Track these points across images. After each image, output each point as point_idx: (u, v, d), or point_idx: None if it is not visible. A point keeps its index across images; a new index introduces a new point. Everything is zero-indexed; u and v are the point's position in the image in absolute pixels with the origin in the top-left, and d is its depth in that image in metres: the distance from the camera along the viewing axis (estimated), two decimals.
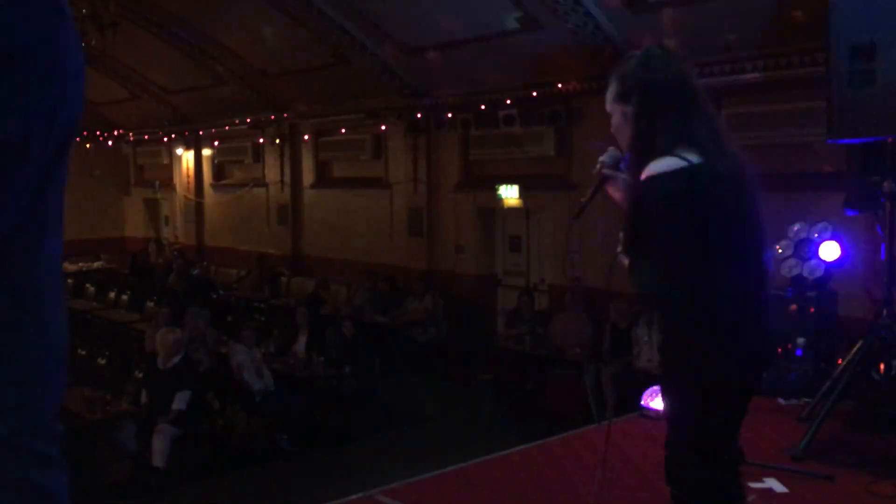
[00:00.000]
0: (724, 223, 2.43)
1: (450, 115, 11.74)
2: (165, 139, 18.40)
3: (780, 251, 6.01)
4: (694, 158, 2.39)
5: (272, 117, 15.11)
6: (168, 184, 18.98)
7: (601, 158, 2.76)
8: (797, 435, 4.80)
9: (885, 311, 4.88)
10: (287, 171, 15.45)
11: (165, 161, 18.83)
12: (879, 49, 4.51)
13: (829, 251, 5.89)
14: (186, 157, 18.21)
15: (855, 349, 4.93)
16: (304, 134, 14.99)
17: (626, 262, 2.63)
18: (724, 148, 2.50)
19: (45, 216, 1.07)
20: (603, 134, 2.89)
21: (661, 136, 2.46)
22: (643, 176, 2.45)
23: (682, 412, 2.60)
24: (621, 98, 2.60)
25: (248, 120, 15.58)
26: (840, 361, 5.12)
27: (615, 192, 2.73)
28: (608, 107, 2.66)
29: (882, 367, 4.93)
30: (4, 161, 0.95)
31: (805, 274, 5.89)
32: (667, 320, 2.63)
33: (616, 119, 2.64)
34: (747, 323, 2.50)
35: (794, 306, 5.86)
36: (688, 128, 2.46)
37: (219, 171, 17.73)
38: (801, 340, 5.79)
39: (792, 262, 5.94)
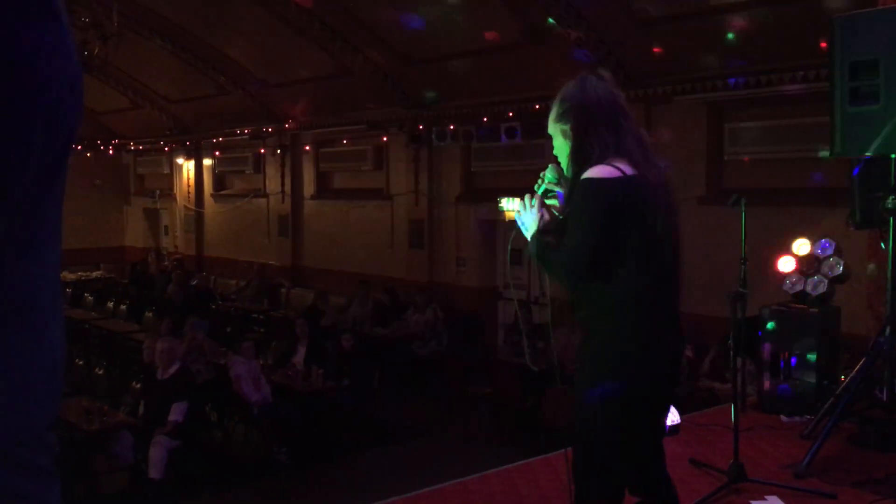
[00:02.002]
0: (649, 232, 2.64)
1: (451, 127, 11.74)
2: (166, 149, 18.41)
3: (783, 267, 5.99)
4: (626, 168, 2.63)
5: (273, 128, 15.13)
6: (168, 193, 18.99)
7: (542, 174, 3.00)
8: (799, 452, 4.77)
9: (888, 328, 4.85)
10: (288, 181, 15.45)
11: (166, 171, 18.84)
12: (882, 65, 4.50)
13: (833, 267, 5.86)
14: (187, 167, 18.22)
15: (858, 366, 4.90)
16: (305, 144, 15.00)
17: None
18: (652, 161, 2.74)
19: (43, 226, 1.05)
20: None
21: (596, 147, 2.70)
22: (583, 175, 2.69)
23: (591, 419, 2.73)
24: (560, 118, 2.83)
25: (249, 130, 15.59)
26: (843, 378, 5.09)
27: (556, 209, 2.94)
28: (550, 129, 2.88)
29: (885, 384, 4.90)
30: (1, 165, 0.94)
31: (808, 290, 5.86)
32: (585, 322, 2.80)
33: (558, 140, 2.87)
34: (663, 332, 2.71)
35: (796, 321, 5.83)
36: (619, 141, 2.70)
37: (219, 181, 17.73)
38: (802, 357, 5.76)
39: (795, 277, 5.92)
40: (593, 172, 2.65)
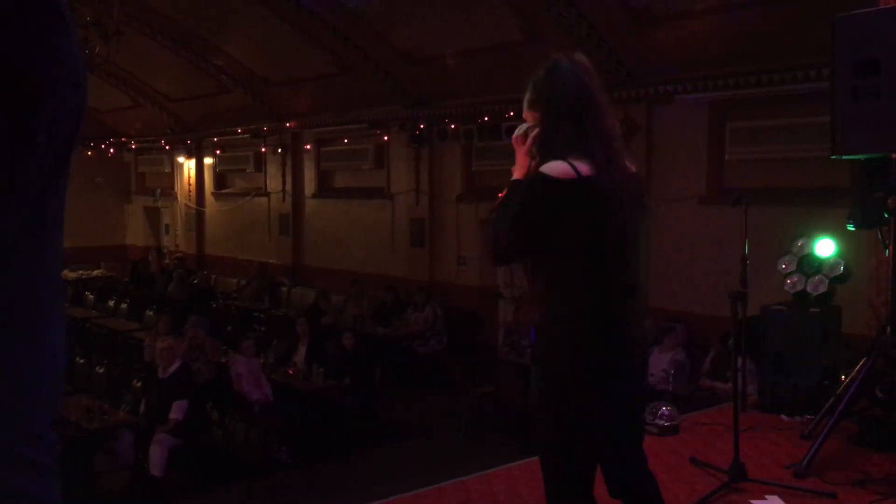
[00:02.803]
0: (595, 235, 2.63)
1: (452, 126, 11.74)
2: (167, 147, 18.41)
3: (783, 267, 5.99)
4: (583, 168, 2.59)
5: (274, 126, 15.13)
6: (169, 192, 18.99)
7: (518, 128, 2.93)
8: (800, 452, 4.77)
9: (889, 328, 4.85)
10: (289, 180, 15.45)
11: (167, 169, 18.84)
12: (883, 65, 4.50)
13: (833, 267, 5.86)
14: (188, 166, 18.22)
15: (859, 366, 4.90)
16: (306, 143, 14.99)
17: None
18: (614, 162, 2.68)
19: (45, 225, 1.06)
20: None
21: (558, 142, 2.68)
22: (539, 168, 2.66)
23: (547, 401, 2.72)
24: (531, 105, 2.83)
25: (250, 129, 15.59)
26: (843, 378, 5.09)
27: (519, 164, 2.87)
28: (524, 112, 2.88)
29: (886, 384, 4.90)
30: (4, 168, 0.94)
31: (808, 289, 5.86)
32: (537, 294, 2.79)
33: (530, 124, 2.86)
34: (604, 334, 2.66)
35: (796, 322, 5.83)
36: (582, 139, 2.65)
37: (220, 179, 17.73)
38: (803, 357, 5.76)
39: (795, 277, 5.92)
40: (548, 168, 2.62)
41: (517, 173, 2.80)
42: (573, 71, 2.77)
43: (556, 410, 2.70)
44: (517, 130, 2.85)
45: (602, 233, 2.64)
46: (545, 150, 2.72)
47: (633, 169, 2.82)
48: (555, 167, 2.61)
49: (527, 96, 2.85)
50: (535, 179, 2.65)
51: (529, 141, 2.80)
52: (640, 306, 2.86)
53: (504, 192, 2.78)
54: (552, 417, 2.71)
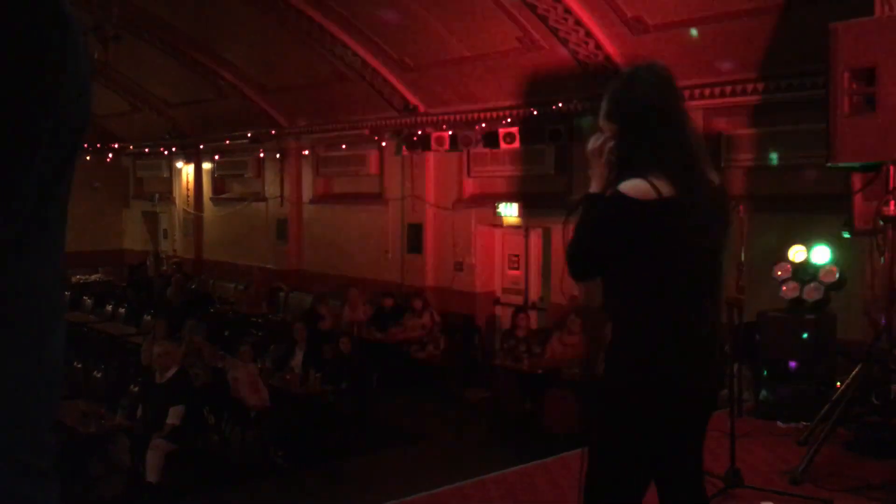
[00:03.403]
0: (673, 256, 2.52)
1: (449, 133, 11.77)
2: (165, 152, 18.42)
3: (779, 274, 6.01)
4: (664, 188, 2.45)
5: (272, 132, 15.15)
6: (167, 197, 19.00)
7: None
8: (795, 458, 4.78)
9: (884, 335, 4.87)
10: (286, 185, 15.46)
11: (165, 174, 18.85)
12: (879, 73, 4.53)
13: (829, 274, 5.88)
14: (186, 171, 18.23)
15: (854, 372, 4.91)
16: (304, 149, 15.02)
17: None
18: (695, 179, 2.56)
19: (46, 230, 1.06)
20: None
21: (636, 159, 2.54)
22: (617, 188, 2.52)
23: (607, 424, 2.64)
24: (608, 117, 2.68)
25: (249, 134, 15.61)
26: (839, 385, 5.10)
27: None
28: (600, 123, 2.73)
29: (881, 391, 4.91)
30: (5, 172, 0.95)
31: (804, 296, 5.89)
32: (613, 322, 2.70)
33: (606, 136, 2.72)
34: (680, 356, 2.55)
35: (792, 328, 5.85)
36: (661, 155, 2.52)
37: (218, 184, 17.74)
38: (798, 363, 5.77)
39: (791, 284, 5.94)
40: (627, 187, 2.49)
41: (594, 186, 2.68)
42: (652, 82, 2.63)
43: (616, 429, 2.61)
44: (592, 142, 2.71)
45: (681, 256, 2.54)
46: (623, 165, 2.59)
47: (717, 181, 2.69)
48: (634, 187, 2.48)
49: (603, 107, 2.70)
50: (614, 199, 2.52)
51: (606, 154, 2.66)
52: (719, 326, 2.75)
53: (578, 199, 2.70)
54: (610, 433, 2.63)
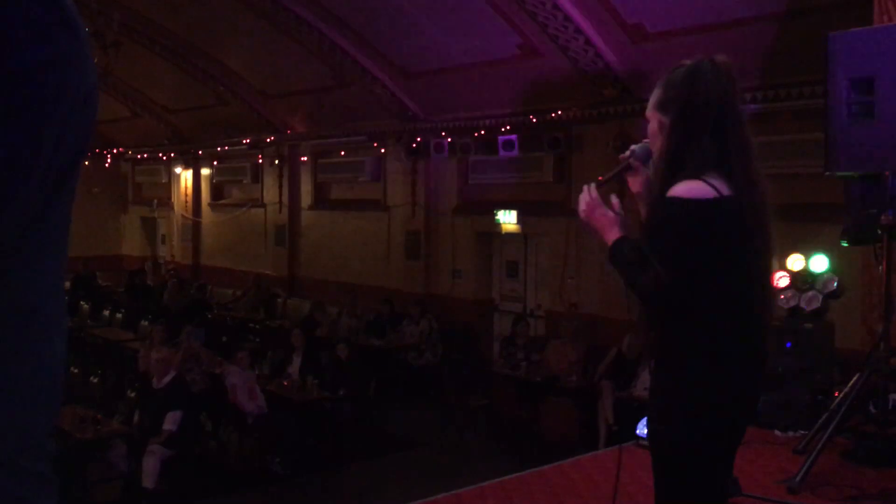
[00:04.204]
0: (735, 262, 2.36)
1: (449, 140, 11.78)
2: (164, 158, 18.43)
3: (777, 282, 6.01)
4: (722, 188, 2.32)
5: (271, 138, 15.16)
6: (166, 202, 18.99)
7: (633, 147, 2.66)
8: (793, 467, 4.77)
9: (882, 344, 4.87)
10: (285, 191, 15.46)
11: (164, 180, 18.85)
12: (878, 83, 4.54)
13: (827, 283, 5.88)
14: (185, 177, 18.23)
15: (852, 381, 4.91)
16: (303, 155, 15.02)
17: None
18: (753, 179, 2.41)
19: (49, 235, 1.06)
20: (601, 161, 2.85)
21: (692, 156, 2.37)
22: (669, 194, 2.36)
23: (676, 443, 2.47)
24: (661, 107, 2.50)
25: (248, 140, 15.62)
26: (837, 393, 5.10)
27: (634, 185, 2.66)
28: (648, 111, 2.56)
29: (879, 400, 4.91)
30: (9, 176, 0.95)
31: (802, 305, 5.88)
32: (666, 342, 2.49)
33: (652, 126, 2.55)
34: (746, 362, 2.41)
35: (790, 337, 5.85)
36: (721, 154, 2.36)
37: (217, 190, 17.74)
38: (796, 372, 5.77)
39: (789, 293, 5.94)
40: (682, 190, 2.32)
41: (636, 188, 2.58)
42: (716, 76, 2.43)
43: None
44: (632, 152, 2.60)
45: (741, 259, 2.37)
46: (674, 165, 2.39)
47: (765, 183, 2.51)
48: (690, 188, 2.31)
49: (656, 94, 2.51)
50: (675, 205, 2.32)
51: (654, 159, 2.50)
52: (767, 342, 2.53)
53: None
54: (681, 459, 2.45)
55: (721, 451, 2.47)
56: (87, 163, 17.87)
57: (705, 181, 2.32)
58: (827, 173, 4.90)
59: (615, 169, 2.73)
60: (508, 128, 11.06)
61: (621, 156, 2.69)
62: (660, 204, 2.42)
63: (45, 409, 1.11)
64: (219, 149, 16.75)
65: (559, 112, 10.34)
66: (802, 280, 5.98)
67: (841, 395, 4.94)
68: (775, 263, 6.20)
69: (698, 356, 2.38)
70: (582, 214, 2.60)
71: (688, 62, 2.48)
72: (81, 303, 15.31)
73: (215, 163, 17.30)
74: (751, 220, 2.37)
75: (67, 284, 16.84)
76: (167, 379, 7.87)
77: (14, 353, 1.04)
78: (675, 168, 2.39)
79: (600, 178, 2.69)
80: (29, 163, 0.96)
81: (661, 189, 2.41)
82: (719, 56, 2.46)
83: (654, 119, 2.53)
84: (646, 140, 2.62)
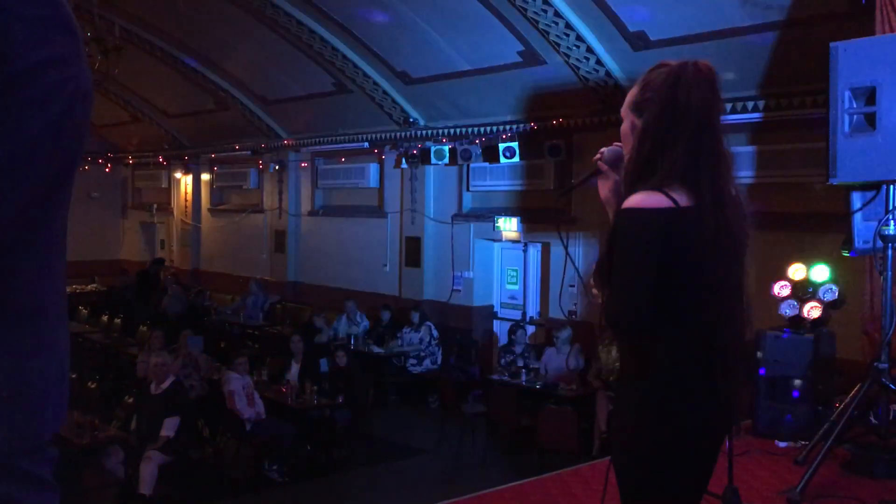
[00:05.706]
0: (692, 276, 2.23)
1: (449, 147, 11.79)
2: (164, 163, 18.44)
3: (778, 292, 5.99)
4: (682, 199, 2.20)
5: (271, 144, 15.16)
6: (165, 207, 18.99)
7: (603, 149, 2.52)
8: (794, 477, 4.75)
9: (883, 354, 4.85)
10: (285, 197, 15.46)
11: (164, 185, 18.85)
12: (880, 92, 4.53)
13: (828, 292, 5.87)
14: (185, 182, 18.23)
15: (853, 392, 4.89)
16: (303, 161, 15.02)
17: (593, 288, 2.42)
18: (722, 195, 2.28)
19: (52, 234, 1.07)
20: None
21: (660, 164, 2.24)
22: (623, 205, 2.25)
23: (632, 464, 2.38)
24: (636, 108, 2.37)
25: (248, 146, 15.62)
26: (837, 404, 5.08)
27: (603, 190, 2.51)
28: (622, 109, 2.44)
29: (880, 410, 4.89)
30: (7, 176, 0.95)
31: (803, 314, 5.87)
32: (625, 358, 2.42)
33: (625, 126, 2.42)
34: (702, 386, 2.29)
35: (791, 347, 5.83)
36: (691, 166, 2.23)
37: (217, 195, 17.74)
38: (797, 382, 5.75)
39: (790, 302, 5.92)
40: (636, 200, 2.21)
41: (604, 194, 2.46)
42: (698, 83, 2.28)
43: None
44: (602, 155, 2.48)
45: (698, 274, 2.23)
46: (641, 171, 2.28)
47: (735, 193, 2.37)
48: (644, 199, 2.20)
49: (633, 93, 2.38)
50: (627, 218, 2.23)
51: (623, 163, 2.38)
52: (740, 362, 2.39)
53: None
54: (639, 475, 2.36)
55: (680, 473, 2.33)
56: (86, 167, 17.99)
57: (665, 192, 2.20)
58: (828, 183, 4.89)
59: (585, 173, 2.62)
60: (509, 135, 11.06)
61: (593, 159, 2.56)
62: (616, 215, 2.32)
63: (47, 412, 1.11)
64: (219, 154, 16.75)
65: (560, 119, 10.34)
66: (803, 289, 5.96)
67: (842, 406, 4.92)
68: (771, 272, 6.22)
69: (655, 372, 2.28)
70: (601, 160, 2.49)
71: (671, 63, 2.35)
72: (80, 307, 15.30)
73: (215, 168, 17.30)
74: (712, 234, 2.21)
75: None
76: (165, 384, 7.85)
77: (22, 350, 1.04)
78: (644, 175, 2.27)
79: (572, 181, 2.64)
80: (27, 161, 0.96)
81: (625, 194, 2.31)
82: (703, 62, 2.32)
83: (627, 119, 2.40)
84: (617, 143, 2.50)
